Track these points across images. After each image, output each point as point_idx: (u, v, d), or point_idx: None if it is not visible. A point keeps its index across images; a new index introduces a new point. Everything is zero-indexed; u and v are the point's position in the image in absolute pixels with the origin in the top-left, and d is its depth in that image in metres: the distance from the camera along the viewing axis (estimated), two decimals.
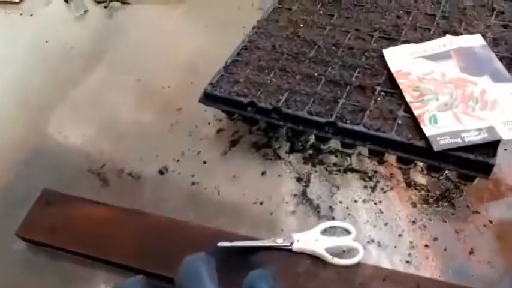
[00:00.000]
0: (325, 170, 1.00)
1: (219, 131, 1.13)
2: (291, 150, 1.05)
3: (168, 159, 1.07)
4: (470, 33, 1.07)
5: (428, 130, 0.87)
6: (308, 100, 0.99)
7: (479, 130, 0.84)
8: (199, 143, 1.10)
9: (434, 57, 1.01)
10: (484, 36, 1.06)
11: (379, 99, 0.97)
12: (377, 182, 0.97)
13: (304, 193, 0.97)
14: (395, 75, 0.99)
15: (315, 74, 1.05)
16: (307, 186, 0.99)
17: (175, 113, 1.17)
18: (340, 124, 0.93)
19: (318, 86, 1.02)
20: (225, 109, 1.05)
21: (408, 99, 0.94)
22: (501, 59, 1.00)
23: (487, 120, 0.86)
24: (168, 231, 0.89)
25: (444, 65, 0.99)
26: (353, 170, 0.99)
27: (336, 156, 1.02)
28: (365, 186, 0.96)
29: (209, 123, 1.13)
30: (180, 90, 1.24)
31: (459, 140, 0.84)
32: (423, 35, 1.10)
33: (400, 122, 0.91)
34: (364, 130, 0.91)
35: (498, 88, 0.92)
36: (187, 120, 1.15)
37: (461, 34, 1.07)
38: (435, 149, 0.84)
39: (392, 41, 1.10)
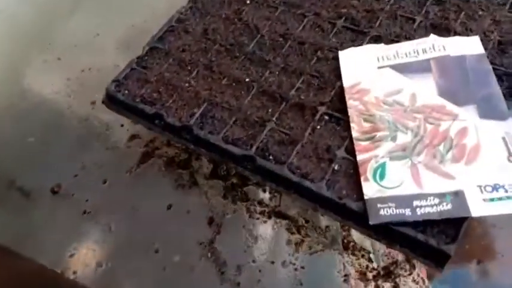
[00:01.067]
0: (246, 211, 0.73)
1: (133, 137, 0.85)
2: (212, 175, 0.77)
3: (66, 172, 0.82)
4: (467, 31, 0.72)
5: (369, 189, 0.57)
6: (229, 118, 0.70)
7: (442, 197, 0.56)
8: (105, 154, 0.83)
9: (407, 68, 0.68)
10: (486, 37, 0.71)
11: (319, 127, 0.66)
12: (306, 236, 0.69)
13: (212, 242, 0.71)
14: (347, 92, 0.68)
15: (247, 80, 0.74)
16: (218, 232, 0.72)
17: (88, 107, 0.90)
18: (259, 161, 0.64)
19: (247, 98, 0.72)
20: (128, 117, 0.76)
21: (355, 133, 0.63)
22: (503, 76, 0.65)
23: (457, 181, 0.56)
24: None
25: (418, 82, 0.69)
26: (280, 215, 0.71)
27: (265, 191, 0.73)
28: (289, 241, 0.69)
29: (122, 126, 0.85)
30: (101, 76, 0.94)
31: (408, 212, 0.55)
32: (403, 29, 0.75)
33: (336, 167, 0.62)
34: (288, 174, 0.62)
35: (486, 128, 0.62)
36: (98, 120, 0.87)
37: (455, 32, 0.72)
38: (371, 221, 0.55)
39: (359, 35, 0.76)
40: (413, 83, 0.68)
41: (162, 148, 0.82)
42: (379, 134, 0.64)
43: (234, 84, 0.76)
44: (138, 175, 0.79)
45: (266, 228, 0.71)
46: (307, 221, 0.70)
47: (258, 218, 0.72)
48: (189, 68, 0.80)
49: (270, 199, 0.71)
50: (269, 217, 0.72)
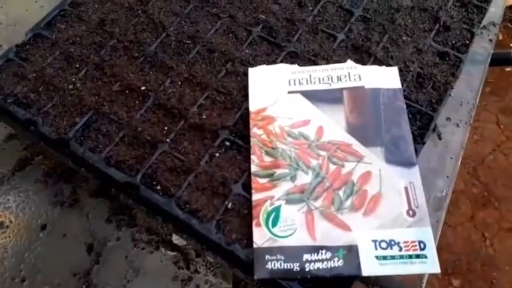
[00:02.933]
0: (131, 239, 0.65)
1: (10, 137, 0.73)
2: (98, 193, 0.68)
3: None
4: (388, 58, 0.66)
5: (260, 237, 0.52)
6: (116, 134, 0.61)
7: (335, 251, 0.54)
8: None
9: (318, 96, 0.62)
10: (406, 67, 0.66)
11: (218, 154, 0.59)
12: (195, 272, 0.62)
13: (88, 273, 0.63)
14: (252, 117, 0.61)
15: (143, 88, 0.65)
16: (97, 262, 0.64)
17: None
18: (144, 191, 0.56)
19: (140, 111, 0.63)
20: None
21: (254, 167, 0.57)
22: (416, 115, 0.61)
23: (353, 233, 0.52)
24: None
25: (328, 114, 0.64)
26: (170, 246, 0.64)
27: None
28: (176, 278, 0.62)
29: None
30: None
31: (296, 267, 0.50)
32: (322, 47, 0.68)
33: (230, 205, 0.56)
34: (174, 210, 0.55)
35: (390, 175, 0.58)
36: None
37: (375, 57, 0.66)
38: (256, 275, 0.50)
39: (275, 49, 0.68)
40: (322, 115, 0.62)
41: (43, 154, 0.72)
42: (278, 172, 0.58)
43: (127, 91, 0.67)
44: (12, 186, 0.68)
45: (151, 261, 0.64)
46: (198, 255, 0.63)
47: (143, 248, 0.65)
48: (77, 65, 0.69)
49: (161, 226, 0.63)
50: (157, 248, 0.65)
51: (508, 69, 1.80)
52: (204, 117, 0.64)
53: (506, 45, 1.89)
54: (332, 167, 0.59)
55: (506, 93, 1.70)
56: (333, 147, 0.61)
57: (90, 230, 0.68)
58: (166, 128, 0.64)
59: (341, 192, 0.58)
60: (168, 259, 0.65)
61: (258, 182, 0.58)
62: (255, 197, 0.57)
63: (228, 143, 0.63)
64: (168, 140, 0.63)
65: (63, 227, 0.70)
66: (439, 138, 0.67)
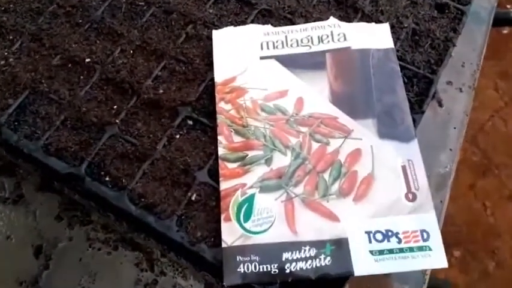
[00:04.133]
0: (86, 239, 0.55)
1: None
2: (45, 186, 0.57)
3: None
4: (378, 13, 0.56)
5: (229, 234, 0.43)
6: (57, 116, 0.51)
7: (321, 247, 0.45)
8: None
9: (296, 62, 0.52)
10: (399, 23, 0.56)
11: (178, 136, 0.49)
12: (161, 274, 0.53)
13: (36, 281, 0.54)
14: (218, 90, 0.50)
15: (88, 60, 0.54)
16: (46, 267, 0.54)
17: None
18: (90, 184, 0.46)
19: (84, 88, 0.53)
20: None
21: (221, 149, 0.46)
22: (413, 79, 0.51)
23: (341, 224, 0.44)
24: None
25: (308, 82, 0.54)
26: (130, 245, 0.53)
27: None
28: (138, 282, 0.52)
29: None
30: None
31: (274, 269, 0.41)
32: (300, 3, 0.58)
33: (194, 197, 0.46)
34: (127, 205, 0.45)
35: (384, 152, 0.50)
36: None
37: (363, 13, 0.56)
38: (225, 282, 0.40)
39: (244, 7, 0.57)
40: (301, 84, 0.52)
41: None
42: (251, 154, 0.48)
43: (69, 65, 0.56)
44: None
45: (110, 263, 0.54)
46: (163, 255, 0.53)
47: (100, 249, 0.55)
48: (10, 37, 0.58)
49: (120, 222, 0.53)
50: (115, 247, 0.54)
51: (505, 31, 1.69)
52: (161, 91, 0.54)
53: (503, 5, 1.77)
54: (315, 146, 0.49)
55: (503, 57, 1.59)
56: (315, 122, 0.51)
57: (37, 230, 0.57)
58: (115, 106, 0.53)
59: (326, 175, 0.48)
60: (129, 260, 0.55)
61: (226, 167, 0.48)
62: (224, 185, 0.47)
63: (190, 122, 0.52)
64: (117, 121, 0.52)
65: (7, 228, 0.59)
66: (440, 105, 0.57)
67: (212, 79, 0.54)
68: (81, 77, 0.56)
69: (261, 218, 0.46)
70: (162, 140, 0.52)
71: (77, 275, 0.54)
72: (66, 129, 0.53)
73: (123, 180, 0.50)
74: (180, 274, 0.52)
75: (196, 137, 0.52)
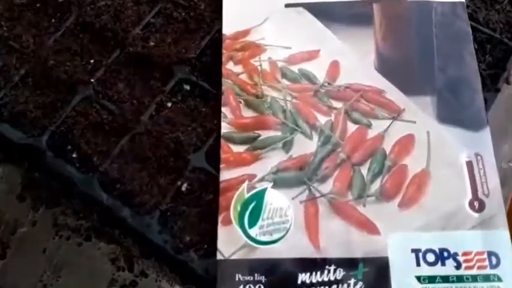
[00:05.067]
0: (53, 225, 0.43)
1: None
2: (7, 157, 0.45)
3: None
4: None
5: (227, 242, 0.32)
6: (16, 70, 0.41)
7: (351, 267, 0.33)
8: None
9: (333, 13, 0.39)
10: None
11: (170, 104, 0.39)
12: (141, 275, 0.41)
13: None
14: (226, 45, 0.38)
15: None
16: (2, 256, 0.43)
17: None
18: (51, 160, 0.34)
19: (55, 35, 0.43)
20: None
21: (225, 126, 0.34)
22: (486, 45, 0.37)
23: (381, 238, 0.34)
24: None
25: (348, 42, 0.41)
26: (105, 235, 0.42)
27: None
28: (114, 282, 0.41)
29: None
30: None
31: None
32: None
33: (185, 187, 0.34)
34: (97, 193, 0.33)
35: (447, 141, 0.37)
36: None
37: None
38: None
39: None
40: (338, 43, 0.38)
41: None
42: (264, 135, 0.36)
43: (37, 4, 0.42)
44: None
45: (80, 257, 0.42)
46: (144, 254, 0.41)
47: (68, 238, 0.43)
48: None
49: (89, 212, 0.41)
50: (87, 238, 0.43)
51: None
52: (152, 44, 0.41)
53: None
54: (351, 128, 0.37)
55: None
56: (354, 96, 0.38)
57: (10, 210, 0.45)
58: (92, 61, 0.41)
59: (364, 170, 0.35)
60: (104, 254, 0.43)
61: (230, 150, 0.36)
62: (225, 175, 0.35)
63: (187, 87, 0.40)
64: (93, 81, 0.39)
65: None
66: (507, 82, 0.43)
67: (219, 31, 0.41)
68: (52, 21, 0.43)
69: (272, 223, 0.34)
70: (149, 108, 0.39)
71: (39, 269, 0.43)
72: (27, 88, 0.41)
73: (95, 159, 0.38)
74: (165, 277, 0.40)
75: (193, 107, 0.40)
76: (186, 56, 0.41)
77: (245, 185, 0.35)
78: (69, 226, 0.43)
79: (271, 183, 0.35)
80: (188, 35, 0.42)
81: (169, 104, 0.40)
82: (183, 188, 0.37)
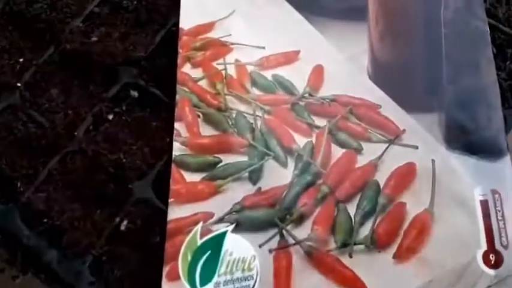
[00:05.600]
0: None
1: None
2: None
3: None
4: None
5: None
6: None
7: None
8: None
9: (317, 4, 0.28)
10: None
11: (111, 116, 0.30)
12: None
13: None
14: (182, 43, 0.28)
15: None
16: None
17: None
18: None
19: None
20: None
21: (178, 147, 0.26)
22: (507, 50, 0.29)
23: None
24: None
25: (334, 41, 0.33)
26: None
27: None
28: None
29: None
30: None
31: None
32: None
33: (125, 225, 0.26)
34: (18, 227, 0.25)
35: (456, 172, 0.29)
36: None
37: None
38: None
39: None
40: (324, 43, 0.30)
41: None
42: (227, 160, 0.28)
43: None
44: None
45: None
46: None
47: (3, 270, 0.35)
48: None
49: (11, 251, 0.33)
50: (24, 270, 0.34)
51: None
52: (94, 39, 0.32)
53: None
54: (337, 153, 0.29)
55: None
56: (341, 111, 0.29)
57: None
58: (21, 60, 0.32)
59: (352, 208, 0.28)
60: None
61: (183, 179, 0.28)
62: (175, 212, 0.27)
63: (134, 93, 0.31)
64: (20, 85, 0.31)
65: None
66: None
67: (176, 24, 0.32)
68: None
69: (231, 279, 0.26)
70: (85, 121, 0.31)
71: None
72: None
73: (18, 184, 0.30)
74: None
75: (141, 121, 0.31)
76: (134, 55, 0.33)
77: (199, 227, 0.27)
78: (2, 256, 0.35)
79: (233, 226, 0.27)
80: (139, 29, 0.34)
81: (110, 116, 0.32)
82: (123, 227, 0.29)
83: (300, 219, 0.28)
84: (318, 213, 0.28)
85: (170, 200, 0.28)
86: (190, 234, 0.27)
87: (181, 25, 0.32)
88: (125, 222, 0.29)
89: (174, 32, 0.33)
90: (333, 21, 0.33)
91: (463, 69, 0.31)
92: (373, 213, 0.28)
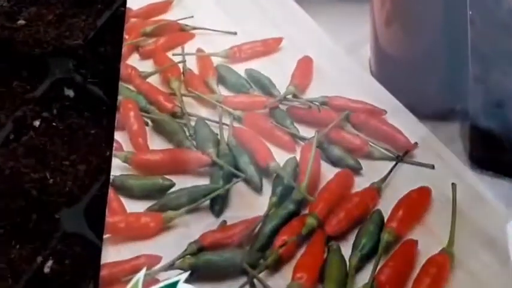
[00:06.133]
0: None
1: None
2: None
3: None
4: None
5: None
6: None
7: None
8: None
9: None
10: None
11: (38, 122, 0.24)
12: None
13: None
14: (129, 27, 0.20)
15: None
16: None
17: None
18: None
19: None
20: None
21: (118, 164, 0.20)
22: None
23: None
24: None
25: (327, 26, 0.26)
26: None
27: None
28: None
29: None
30: None
31: None
32: None
33: (50, 265, 0.22)
34: None
35: (482, 200, 0.22)
36: None
37: None
38: None
39: None
40: (314, 28, 0.23)
41: None
42: (182, 184, 0.21)
43: None
44: None
45: None
46: None
47: None
48: None
49: None
50: None
51: None
52: (21, 23, 0.25)
53: None
54: (328, 173, 0.23)
55: None
56: (334, 118, 0.22)
57: None
58: None
59: (346, 248, 0.22)
60: None
61: (122, 208, 0.20)
62: (110, 254, 0.20)
63: (68, 93, 0.24)
64: None
65: None
66: None
67: (124, 4, 0.25)
68: None
69: None
70: (3, 128, 0.24)
71: None
72: None
73: None
74: None
75: (76, 128, 0.24)
76: (70, 43, 0.26)
77: (141, 275, 0.20)
78: None
79: (187, 274, 0.20)
80: (77, 10, 0.26)
81: (36, 123, 0.25)
82: (47, 269, 0.22)
83: (278, 264, 0.21)
84: (302, 255, 0.21)
85: (105, 237, 0.21)
86: (129, 286, 0.20)
87: (129, 4, 0.25)
88: (50, 263, 0.22)
89: (122, 13, 0.26)
90: (326, 2, 0.26)
91: (493, 64, 0.24)
92: (374, 255, 0.21)
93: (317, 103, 0.24)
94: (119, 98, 0.24)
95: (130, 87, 0.24)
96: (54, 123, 0.25)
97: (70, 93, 0.25)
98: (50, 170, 0.24)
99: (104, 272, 0.21)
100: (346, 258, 0.21)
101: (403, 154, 0.23)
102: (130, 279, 0.20)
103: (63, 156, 0.24)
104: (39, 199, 0.23)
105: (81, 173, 0.23)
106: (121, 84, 0.24)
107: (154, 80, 0.24)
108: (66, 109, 0.25)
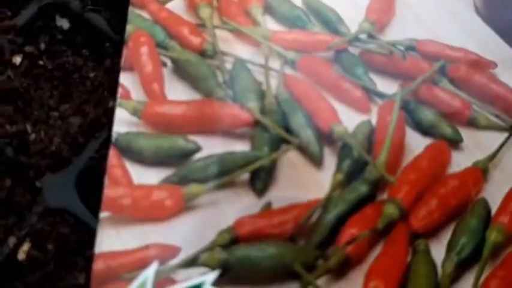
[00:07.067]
0: None
1: None
2: None
3: None
4: None
5: None
6: None
7: None
8: None
9: None
10: None
11: (20, 59, 0.16)
12: None
13: None
14: None
15: None
16: None
17: None
18: None
19: None
20: None
21: (123, 121, 0.14)
22: None
23: None
24: None
25: None
26: None
27: None
28: None
29: None
30: None
31: None
32: None
33: (27, 249, 0.16)
34: None
35: None
36: None
37: None
38: None
39: None
40: None
41: None
42: (212, 149, 0.14)
43: None
44: None
45: None
46: None
47: None
48: None
49: None
50: None
51: None
52: None
53: None
54: (416, 144, 0.17)
55: None
56: (425, 68, 0.15)
57: None
58: None
59: (439, 248, 0.15)
60: None
61: (127, 178, 0.14)
62: (107, 240, 0.14)
63: (61, 23, 0.17)
64: None
65: None
66: None
67: None
68: None
69: None
70: None
71: None
72: None
73: None
74: None
75: (68, 70, 0.18)
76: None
77: (150, 273, 0.14)
78: None
79: (216, 273, 0.14)
80: None
81: (17, 59, 0.18)
82: (22, 254, 0.16)
83: (344, 267, 0.15)
84: (378, 256, 0.15)
85: (101, 216, 0.15)
86: (134, 286, 0.14)
87: None
88: (26, 247, 0.16)
89: None
90: None
91: None
92: (477, 260, 0.15)
93: (401, 47, 0.17)
94: (128, 28, 0.17)
95: (144, 14, 0.18)
96: (40, 62, 0.18)
97: (63, 23, 0.19)
98: (31, 122, 0.17)
99: (98, 265, 0.15)
100: (438, 263, 0.15)
101: None
102: (134, 277, 0.15)
103: (50, 105, 0.18)
104: (16, 160, 0.17)
105: (74, 127, 0.17)
106: (131, 10, 0.17)
107: (176, 6, 0.18)
108: (57, 44, 0.19)
